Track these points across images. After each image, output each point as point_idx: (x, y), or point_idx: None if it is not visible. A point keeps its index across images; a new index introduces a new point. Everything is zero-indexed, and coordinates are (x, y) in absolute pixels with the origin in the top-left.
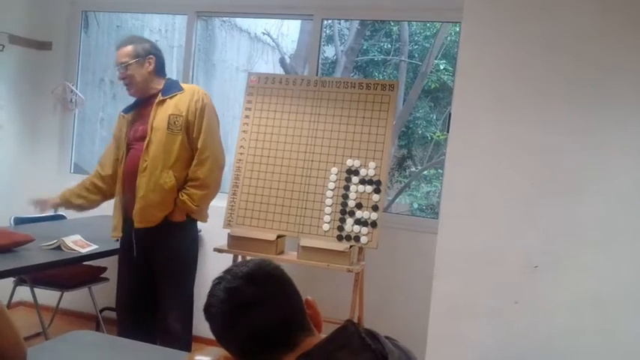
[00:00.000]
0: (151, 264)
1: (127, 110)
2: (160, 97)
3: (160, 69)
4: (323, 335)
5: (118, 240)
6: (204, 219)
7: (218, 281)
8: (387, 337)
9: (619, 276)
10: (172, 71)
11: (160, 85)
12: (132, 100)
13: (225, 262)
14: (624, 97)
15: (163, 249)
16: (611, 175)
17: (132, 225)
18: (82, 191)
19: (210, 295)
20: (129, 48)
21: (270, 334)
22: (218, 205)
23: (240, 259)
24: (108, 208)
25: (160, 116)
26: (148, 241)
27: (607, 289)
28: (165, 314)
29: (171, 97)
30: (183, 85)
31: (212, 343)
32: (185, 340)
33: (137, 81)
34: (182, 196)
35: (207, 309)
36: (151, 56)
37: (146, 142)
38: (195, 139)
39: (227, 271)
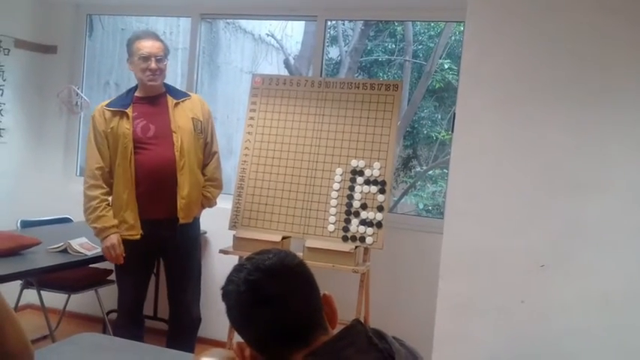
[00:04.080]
0: (171, 260)
1: (119, 105)
2: (174, 100)
3: None
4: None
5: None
6: None
7: (239, 268)
8: (393, 337)
9: (625, 275)
10: (177, 74)
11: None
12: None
13: (230, 263)
14: (630, 96)
15: (187, 243)
16: (618, 173)
17: (151, 223)
18: (109, 211)
19: (230, 281)
20: (162, 44)
21: (286, 331)
22: (223, 206)
23: None
24: None
25: (183, 118)
26: (180, 237)
27: (614, 287)
28: (188, 307)
29: (183, 101)
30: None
31: (216, 344)
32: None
33: (163, 77)
34: (208, 194)
35: (226, 295)
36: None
37: (178, 141)
38: (208, 143)
39: (249, 259)
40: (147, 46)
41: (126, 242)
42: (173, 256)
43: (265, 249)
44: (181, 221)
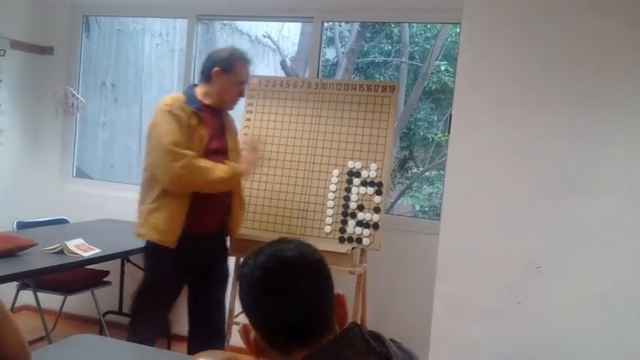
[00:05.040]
0: (210, 270)
1: (194, 107)
2: (229, 116)
3: None
4: None
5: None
6: None
7: (258, 253)
8: (391, 340)
9: (622, 276)
10: (173, 75)
11: None
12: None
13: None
14: (624, 98)
15: (225, 254)
16: (613, 175)
17: (197, 236)
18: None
19: (246, 264)
20: None
21: (291, 326)
22: None
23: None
24: (109, 211)
25: (234, 136)
26: (224, 248)
27: (610, 289)
28: (220, 313)
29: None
30: None
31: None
32: None
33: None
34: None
35: (241, 276)
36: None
37: (234, 158)
38: None
39: (270, 245)
40: (246, 72)
41: (161, 250)
42: (216, 265)
43: (289, 238)
44: (233, 234)
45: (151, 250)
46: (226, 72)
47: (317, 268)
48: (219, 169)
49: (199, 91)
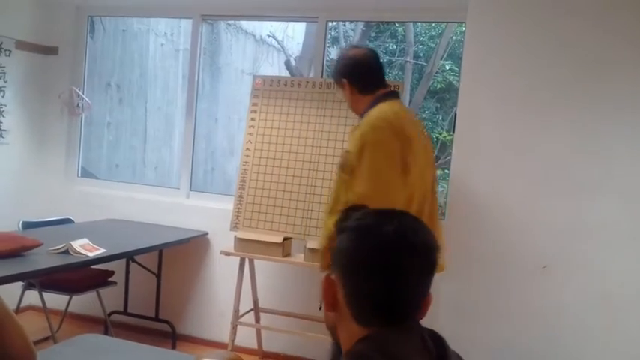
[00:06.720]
0: None
1: None
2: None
3: (361, 87)
4: None
5: None
6: None
7: (382, 218)
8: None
9: (627, 275)
10: (178, 75)
11: (366, 105)
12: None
13: (231, 264)
14: (631, 97)
15: None
16: (619, 175)
17: None
18: None
19: (379, 223)
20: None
21: (385, 303)
22: (224, 207)
23: (247, 261)
24: (114, 211)
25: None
26: None
27: (615, 288)
28: None
29: (359, 125)
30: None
31: (216, 345)
32: None
33: (350, 102)
34: None
35: (362, 232)
36: (344, 78)
37: None
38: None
39: (396, 216)
40: None
41: None
42: None
43: (398, 211)
44: None
45: None
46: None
47: (434, 258)
48: None
49: None
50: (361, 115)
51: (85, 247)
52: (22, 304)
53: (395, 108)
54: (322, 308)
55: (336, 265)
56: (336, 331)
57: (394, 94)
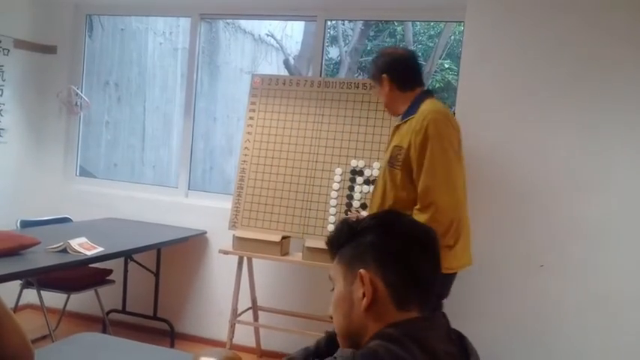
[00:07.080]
0: None
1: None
2: (399, 121)
3: (400, 84)
4: None
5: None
6: None
7: (403, 220)
8: None
9: (624, 275)
10: (177, 74)
11: (405, 103)
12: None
13: (230, 263)
14: (630, 95)
15: None
16: (617, 174)
17: None
18: None
19: (390, 218)
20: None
21: (422, 282)
22: (223, 206)
23: (245, 260)
24: (113, 210)
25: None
26: None
27: (612, 287)
28: None
29: (405, 122)
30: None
31: (216, 344)
32: None
33: (387, 102)
34: None
35: (395, 228)
36: (384, 74)
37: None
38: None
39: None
40: None
41: None
42: None
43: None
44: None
45: None
46: None
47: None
48: None
49: None
50: (400, 113)
51: (83, 246)
52: (20, 303)
53: (441, 104)
54: (333, 318)
55: (370, 260)
56: (355, 337)
57: (433, 93)
